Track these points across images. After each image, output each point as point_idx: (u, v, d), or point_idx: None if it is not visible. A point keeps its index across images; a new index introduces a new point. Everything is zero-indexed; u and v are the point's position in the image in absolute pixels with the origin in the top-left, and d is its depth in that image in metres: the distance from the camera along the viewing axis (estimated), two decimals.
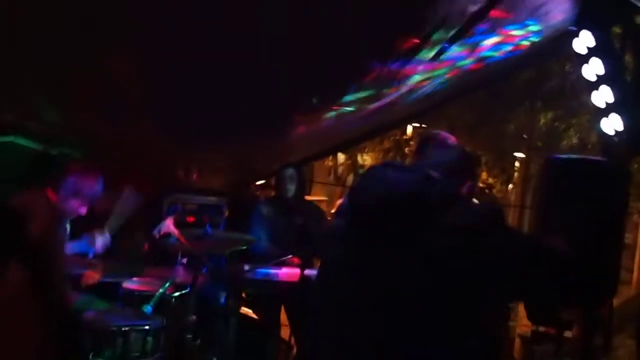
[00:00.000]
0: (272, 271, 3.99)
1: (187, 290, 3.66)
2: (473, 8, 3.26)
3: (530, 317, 4.89)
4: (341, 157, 12.00)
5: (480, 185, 12.19)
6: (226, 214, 5.42)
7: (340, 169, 12.40)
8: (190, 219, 4.97)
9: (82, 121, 4.27)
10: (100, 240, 3.41)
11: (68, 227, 3.72)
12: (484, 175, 11.53)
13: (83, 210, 3.54)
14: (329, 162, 12.47)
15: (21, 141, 4.84)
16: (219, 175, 5.65)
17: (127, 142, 4.63)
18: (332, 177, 13.54)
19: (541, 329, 4.76)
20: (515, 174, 10.23)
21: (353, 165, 11.85)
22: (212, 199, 5.33)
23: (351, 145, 8.34)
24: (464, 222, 1.69)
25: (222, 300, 3.82)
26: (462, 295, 1.65)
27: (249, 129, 4.46)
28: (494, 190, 11.91)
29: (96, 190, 3.56)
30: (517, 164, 10.39)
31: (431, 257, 1.64)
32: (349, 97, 4.02)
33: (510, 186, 10.88)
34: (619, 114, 4.00)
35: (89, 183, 3.54)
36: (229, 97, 3.87)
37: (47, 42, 3.07)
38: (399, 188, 1.73)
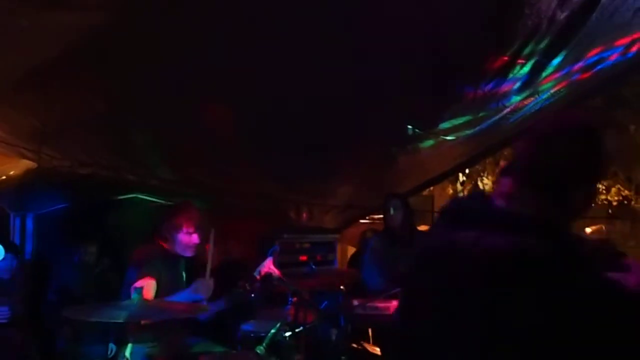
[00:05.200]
0: (383, 305, 3.90)
1: (299, 330, 3.67)
2: (562, 15, 3.09)
3: None
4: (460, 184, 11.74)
5: (617, 198, 11.42)
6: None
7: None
8: (303, 258, 5.02)
9: (193, 175, 4.50)
10: (204, 287, 3.52)
11: (184, 274, 3.89)
12: (621, 187, 10.80)
13: (195, 239, 3.71)
14: (449, 190, 12.22)
15: (143, 196, 5.17)
16: (329, 213, 5.70)
17: (237, 189, 4.81)
18: None
19: None
20: None
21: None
22: (323, 237, 5.36)
23: (459, 171, 8.11)
24: None
25: (334, 337, 3.78)
26: None
27: (350, 167, 4.49)
28: (633, 203, 11.10)
29: (198, 219, 3.74)
30: None
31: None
32: (445, 125, 3.92)
33: None
34: None
35: (188, 215, 3.72)
36: (329, 137, 3.92)
37: (156, 108, 3.30)
38: None
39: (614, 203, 12.01)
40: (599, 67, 4.33)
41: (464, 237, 1.31)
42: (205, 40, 2.67)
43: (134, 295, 2.99)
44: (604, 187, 11.75)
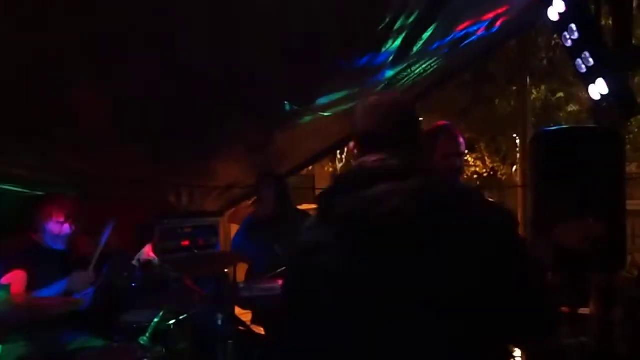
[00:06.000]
0: (268, 285, 3.86)
1: (183, 317, 3.57)
2: None
3: None
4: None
5: (485, 170, 12.07)
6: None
7: None
8: (185, 243, 4.88)
9: (62, 161, 4.23)
10: (81, 280, 3.35)
11: (60, 268, 3.67)
12: (486, 159, 11.41)
13: (66, 230, 3.58)
14: (329, 168, 12.39)
15: (8, 187, 4.79)
16: (210, 195, 5.58)
17: (111, 174, 4.57)
18: None
19: None
20: (518, 155, 10.08)
21: None
22: (205, 221, 5.24)
23: (337, 149, 8.23)
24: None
25: (220, 322, 3.71)
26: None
27: (228, 146, 4.39)
28: (499, 174, 11.80)
29: (69, 209, 3.65)
30: (518, 143, 10.27)
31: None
32: (322, 101, 3.92)
33: (515, 167, 10.75)
34: (603, 78, 3.87)
35: (58, 203, 3.64)
36: (204, 117, 3.81)
37: (17, 87, 3.03)
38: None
39: (484, 174, 12.70)
40: (466, 41, 4.51)
41: (377, 192, 1.50)
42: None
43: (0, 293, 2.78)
44: (473, 160, 12.40)
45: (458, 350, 1.44)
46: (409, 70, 4.35)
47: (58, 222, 3.52)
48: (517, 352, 3.42)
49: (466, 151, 3.33)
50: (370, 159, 1.61)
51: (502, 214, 1.58)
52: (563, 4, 3.86)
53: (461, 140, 3.04)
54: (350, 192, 1.56)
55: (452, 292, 1.43)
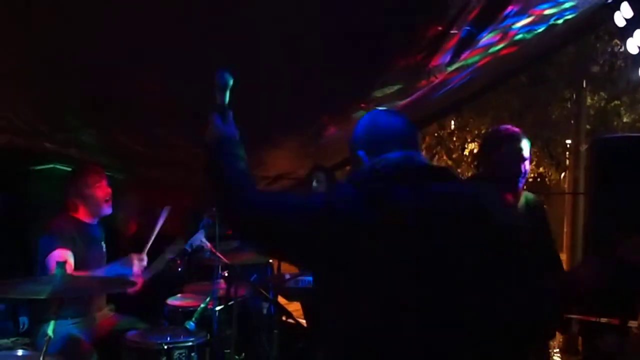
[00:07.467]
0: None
1: (229, 304, 3.60)
2: None
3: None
4: None
5: (532, 175, 11.82)
6: None
7: None
8: (230, 231, 4.91)
9: (118, 142, 4.30)
10: (137, 263, 3.41)
11: (104, 246, 3.75)
12: (537, 164, 11.16)
13: (108, 190, 3.65)
14: None
15: (61, 167, 4.91)
16: (259, 185, 5.60)
17: (163, 159, 4.63)
18: None
19: (603, 320, 4.49)
20: (567, 161, 9.84)
21: None
22: None
23: None
24: None
25: (265, 311, 3.74)
26: None
27: (280, 136, 4.39)
28: (547, 179, 11.54)
29: (103, 173, 3.70)
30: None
31: None
32: (377, 93, 3.89)
33: (563, 174, 10.51)
34: None
35: (91, 169, 3.70)
36: (257, 103, 3.81)
37: (78, 67, 3.09)
38: None
39: (529, 179, 12.47)
40: (523, 43, 4.39)
41: (448, 190, 1.60)
42: None
43: (56, 270, 2.83)
44: None
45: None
46: (465, 67, 4.27)
47: (99, 186, 3.61)
48: None
49: None
50: (396, 155, 1.66)
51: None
52: (630, 9, 3.76)
53: (525, 144, 2.90)
54: (413, 185, 1.56)
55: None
